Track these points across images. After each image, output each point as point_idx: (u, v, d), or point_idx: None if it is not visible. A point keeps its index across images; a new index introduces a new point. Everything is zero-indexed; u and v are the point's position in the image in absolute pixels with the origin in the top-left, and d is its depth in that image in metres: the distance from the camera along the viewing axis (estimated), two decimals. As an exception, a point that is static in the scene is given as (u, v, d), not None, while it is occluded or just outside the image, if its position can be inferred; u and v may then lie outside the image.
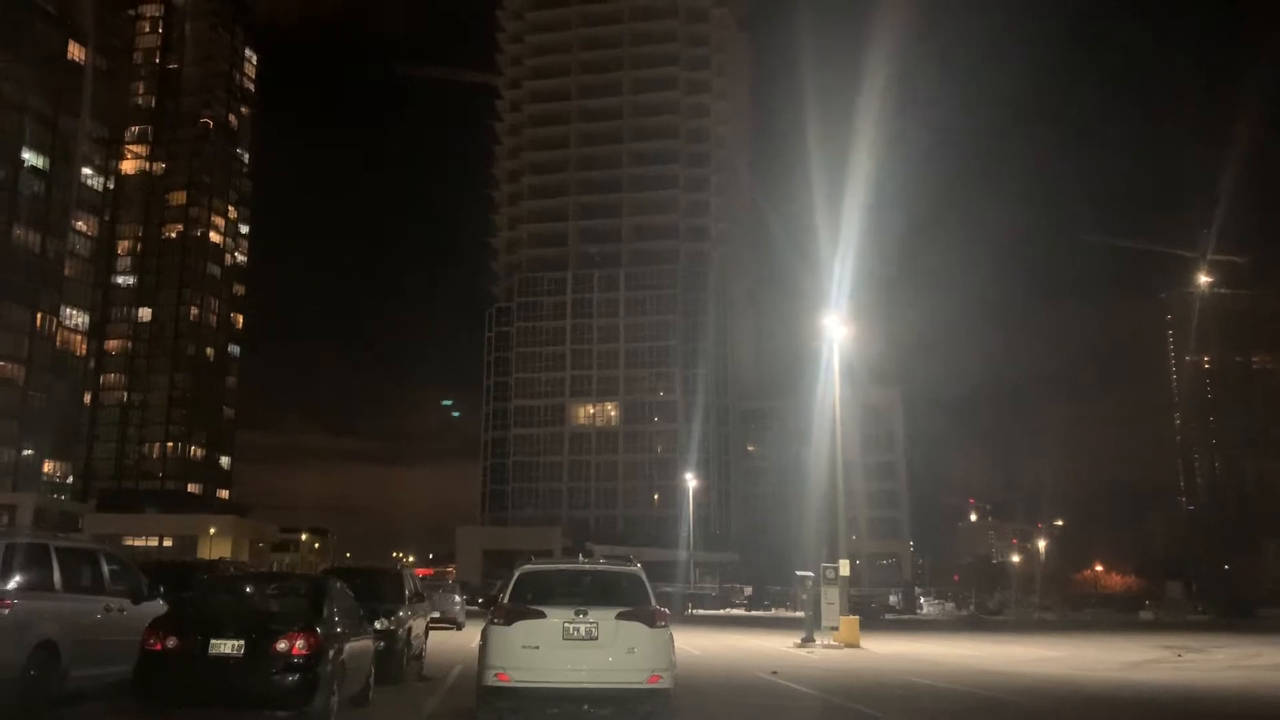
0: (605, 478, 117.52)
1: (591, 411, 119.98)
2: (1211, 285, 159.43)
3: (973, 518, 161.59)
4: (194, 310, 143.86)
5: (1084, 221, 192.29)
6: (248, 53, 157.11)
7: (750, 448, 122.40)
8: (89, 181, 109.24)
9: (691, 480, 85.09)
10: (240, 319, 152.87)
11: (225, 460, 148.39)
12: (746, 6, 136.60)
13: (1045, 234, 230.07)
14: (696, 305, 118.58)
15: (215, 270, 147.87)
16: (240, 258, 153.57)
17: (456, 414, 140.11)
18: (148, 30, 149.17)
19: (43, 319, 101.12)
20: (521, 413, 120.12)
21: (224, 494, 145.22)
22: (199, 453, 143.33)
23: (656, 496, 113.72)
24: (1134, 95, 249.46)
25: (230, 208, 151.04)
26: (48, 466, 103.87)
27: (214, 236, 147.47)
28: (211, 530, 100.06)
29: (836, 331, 35.65)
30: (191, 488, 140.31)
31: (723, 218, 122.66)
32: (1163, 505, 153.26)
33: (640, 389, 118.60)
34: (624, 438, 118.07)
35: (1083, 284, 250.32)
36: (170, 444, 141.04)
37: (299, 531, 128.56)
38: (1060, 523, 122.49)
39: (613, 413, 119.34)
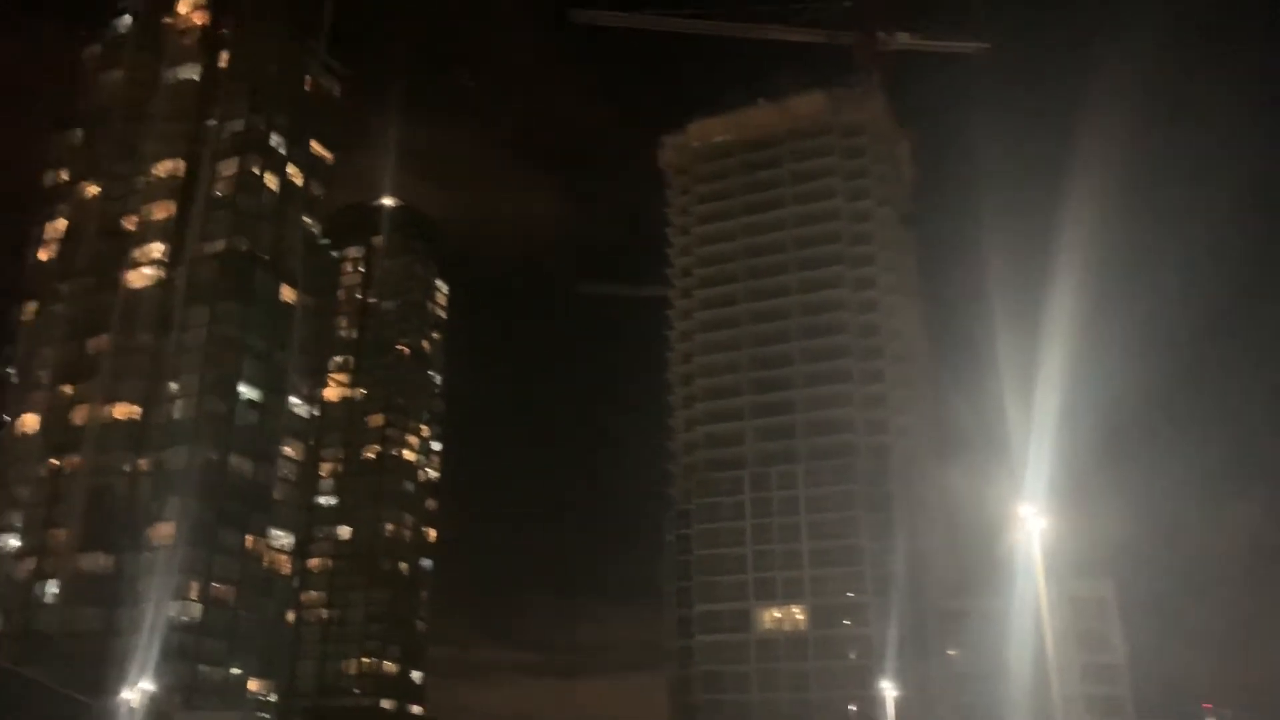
0: (797, 688, 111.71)
1: (778, 615, 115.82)
2: None
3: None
4: (390, 527, 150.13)
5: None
6: (439, 283, 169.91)
7: (951, 651, 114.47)
8: (296, 410, 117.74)
9: (890, 689, 79.95)
10: (433, 533, 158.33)
11: (417, 675, 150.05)
12: (906, 204, 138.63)
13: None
14: (881, 500, 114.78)
15: (409, 487, 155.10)
16: (433, 474, 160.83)
17: None
18: (350, 270, 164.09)
19: (253, 541, 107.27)
20: (705, 619, 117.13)
21: (416, 709, 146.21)
22: (393, 668, 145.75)
23: (853, 708, 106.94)
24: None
25: (423, 427, 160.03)
26: (253, 684, 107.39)
27: (408, 455, 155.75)
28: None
29: (1034, 523, 33.61)
30: (385, 703, 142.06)
31: (902, 410, 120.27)
32: None
33: (828, 591, 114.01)
34: (813, 643, 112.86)
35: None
36: (366, 659, 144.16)
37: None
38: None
39: (800, 616, 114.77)
